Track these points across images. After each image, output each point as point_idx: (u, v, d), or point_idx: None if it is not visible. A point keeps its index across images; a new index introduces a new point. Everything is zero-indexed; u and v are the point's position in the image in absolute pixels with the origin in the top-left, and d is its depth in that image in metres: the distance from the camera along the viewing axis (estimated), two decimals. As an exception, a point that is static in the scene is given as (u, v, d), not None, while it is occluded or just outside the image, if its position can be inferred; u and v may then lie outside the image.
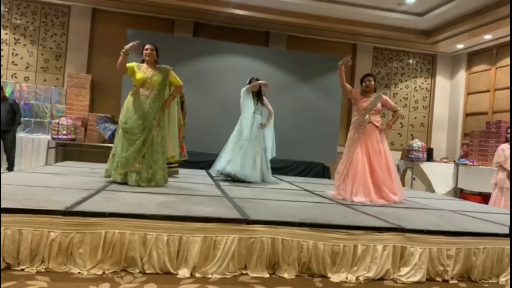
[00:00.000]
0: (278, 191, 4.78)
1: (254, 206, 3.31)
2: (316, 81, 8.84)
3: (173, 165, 5.46)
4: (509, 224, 3.37)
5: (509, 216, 3.98)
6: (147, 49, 4.33)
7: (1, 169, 7.09)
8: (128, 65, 4.33)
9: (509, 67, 8.61)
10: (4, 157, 7.15)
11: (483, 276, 2.89)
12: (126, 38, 7.98)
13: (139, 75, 4.28)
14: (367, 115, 4.46)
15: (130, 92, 4.34)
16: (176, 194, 3.69)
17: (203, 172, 6.64)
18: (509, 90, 8.57)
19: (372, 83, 4.56)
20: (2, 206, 2.41)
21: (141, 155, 4.15)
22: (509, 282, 2.87)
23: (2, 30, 8.41)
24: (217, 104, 8.13)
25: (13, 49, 8.53)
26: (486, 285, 2.82)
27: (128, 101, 4.29)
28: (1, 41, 8.37)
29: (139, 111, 4.19)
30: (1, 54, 8.34)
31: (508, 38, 8.36)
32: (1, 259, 2.34)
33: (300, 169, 8.13)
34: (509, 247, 2.93)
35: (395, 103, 4.81)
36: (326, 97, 8.71)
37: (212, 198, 3.68)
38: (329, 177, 7.95)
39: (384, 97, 4.61)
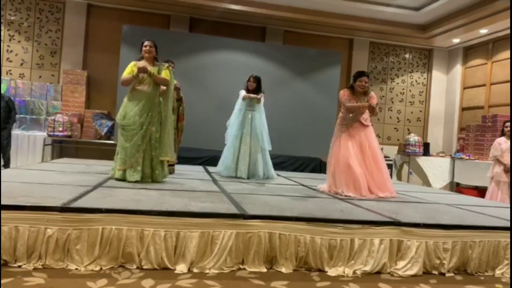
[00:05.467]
0: (275, 186, 4.78)
1: (251, 201, 3.31)
2: (312, 76, 8.83)
3: (169, 164, 5.44)
4: (505, 217, 3.39)
5: (505, 209, 4.00)
6: (146, 46, 4.31)
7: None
8: (128, 66, 4.34)
9: (505, 61, 8.64)
10: (-1, 154, 7.13)
11: (479, 269, 2.91)
12: (122, 34, 7.96)
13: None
14: (355, 114, 4.41)
15: (129, 89, 4.33)
16: (173, 190, 3.69)
17: (200, 168, 6.64)
18: (504, 84, 8.60)
19: (367, 84, 4.46)
20: (-2, 203, 2.41)
21: (140, 152, 4.14)
22: (505, 275, 2.89)
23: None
24: (213, 100, 8.11)
25: (8, 46, 8.47)
26: (482, 278, 2.84)
27: (127, 97, 4.29)
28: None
29: (137, 107, 4.18)
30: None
31: (504, 32, 8.38)
32: (-1, 256, 2.34)
33: (297, 164, 8.13)
34: (504, 240, 2.95)
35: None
36: (323, 92, 8.71)
37: (209, 193, 3.68)
38: (326, 172, 7.95)
39: (372, 94, 4.50)
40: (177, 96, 5.46)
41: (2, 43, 8.36)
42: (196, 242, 2.52)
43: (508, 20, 7.43)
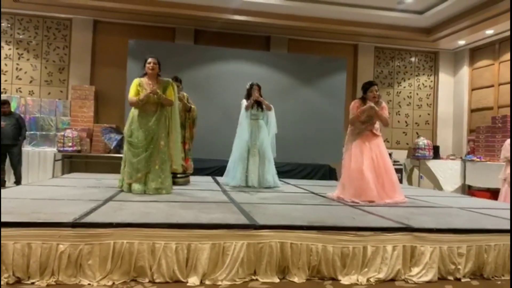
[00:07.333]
0: (284, 195, 4.77)
1: (261, 211, 3.30)
2: (318, 83, 8.83)
3: (185, 175, 5.45)
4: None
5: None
6: (149, 63, 4.33)
7: (9, 183, 7.14)
8: (132, 85, 4.35)
9: (512, 61, 8.56)
10: (11, 171, 7.21)
11: (496, 273, 2.85)
12: (128, 48, 8.05)
13: (144, 93, 4.26)
14: (367, 125, 4.44)
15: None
16: (183, 202, 3.69)
17: (209, 178, 6.64)
18: (513, 84, 8.52)
19: (378, 93, 4.47)
20: (10, 220, 2.43)
21: (148, 167, 4.18)
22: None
23: (5, 46, 8.50)
24: (220, 111, 8.13)
25: (17, 64, 8.61)
26: (499, 282, 2.79)
27: (133, 114, 4.32)
28: (5, 56, 8.46)
29: (143, 126, 4.22)
30: (4, 69, 8.44)
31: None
32: (12, 273, 2.35)
33: (306, 172, 8.10)
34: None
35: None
36: (329, 98, 8.70)
37: (219, 204, 3.68)
38: (335, 179, 7.91)
39: (384, 105, 4.52)
40: (185, 107, 5.49)
41: (11, 61, 8.49)
42: (207, 254, 2.51)
43: (514, 20, 7.38)
